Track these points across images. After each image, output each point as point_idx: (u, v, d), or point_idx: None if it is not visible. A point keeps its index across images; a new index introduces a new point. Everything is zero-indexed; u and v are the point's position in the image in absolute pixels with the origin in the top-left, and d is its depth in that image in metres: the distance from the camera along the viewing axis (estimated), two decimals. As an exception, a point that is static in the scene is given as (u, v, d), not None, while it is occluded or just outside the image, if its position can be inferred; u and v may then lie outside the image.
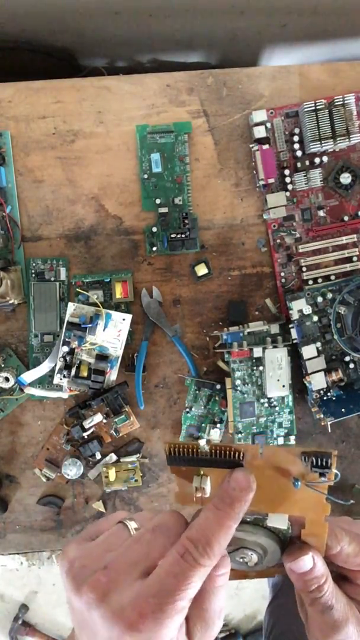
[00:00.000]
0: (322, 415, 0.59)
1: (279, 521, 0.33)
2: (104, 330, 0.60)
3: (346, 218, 0.62)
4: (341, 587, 0.35)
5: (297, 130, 0.60)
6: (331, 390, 0.60)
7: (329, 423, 0.58)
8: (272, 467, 0.31)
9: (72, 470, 0.63)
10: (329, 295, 0.59)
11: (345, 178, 0.61)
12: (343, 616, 0.33)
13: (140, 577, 0.28)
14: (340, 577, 0.36)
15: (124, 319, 0.60)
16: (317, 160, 0.60)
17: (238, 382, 0.60)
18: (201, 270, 0.62)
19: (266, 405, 0.61)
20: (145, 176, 0.61)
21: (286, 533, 0.35)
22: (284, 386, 0.59)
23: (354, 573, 0.35)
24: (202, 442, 0.32)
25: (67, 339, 0.60)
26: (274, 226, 0.62)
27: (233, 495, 0.30)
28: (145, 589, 0.27)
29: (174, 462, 0.32)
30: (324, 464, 0.30)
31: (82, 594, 0.28)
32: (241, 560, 0.36)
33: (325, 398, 0.60)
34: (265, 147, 0.60)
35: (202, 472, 0.32)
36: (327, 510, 0.32)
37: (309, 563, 0.33)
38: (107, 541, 0.31)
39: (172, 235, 0.61)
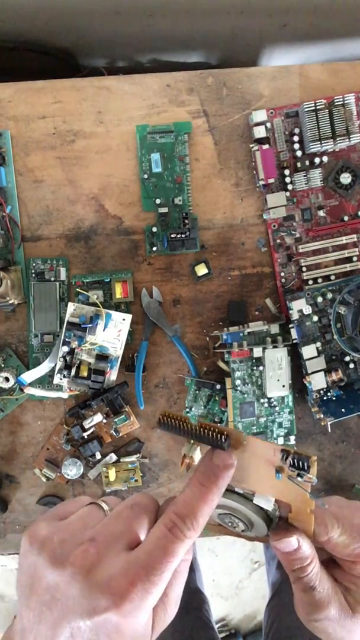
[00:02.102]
0: (322, 415, 0.59)
1: (265, 502, 0.34)
2: (104, 330, 0.60)
3: (346, 218, 0.62)
4: (331, 570, 0.36)
5: (297, 130, 0.60)
6: (331, 390, 0.60)
7: (329, 423, 0.58)
8: (254, 455, 0.32)
9: (72, 470, 0.63)
10: (329, 295, 0.60)
11: (345, 178, 0.61)
12: (325, 598, 0.34)
13: (125, 550, 0.28)
14: (332, 560, 0.36)
15: (124, 319, 0.60)
16: (317, 160, 0.60)
17: (238, 382, 0.60)
18: (201, 270, 0.62)
19: (266, 405, 0.61)
20: (145, 176, 0.61)
21: (273, 513, 0.35)
22: (284, 386, 0.59)
23: (343, 561, 0.36)
24: (192, 418, 0.32)
25: (67, 339, 0.60)
26: (274, 226, 0.62)
27: (217, 472, 0.30)
28: (135, 559, 0.27)
29: (164, 428, 0.33)
30: (302, 466, 0.30)
31: (65, 567, 0.27)
32: (229, 524, 0.37)
33: (325, 398, 0.60)
34: (265, 147, 0.60)
35: (192, 442, 0.33)
36: (312, 504, 0.32)
37: (294, 544, 0.33)
38: (83, 519, 0.31)
39: (172, 235, 0.61)
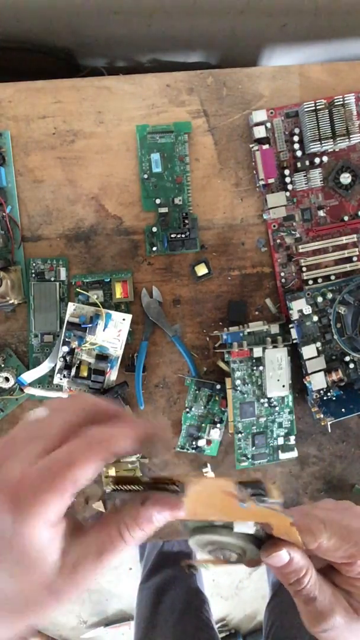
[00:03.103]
0: (322, 415, 0.59)
1: (245, 527, 0.33)
2: (104, 330, 0.60)
3: (346, 218, 0.62)
4: (330, 576, 0.35)
5: (297, 130, 0.60)
6: (331, 390, 0.60)
7: (329, 423, 0.58)
8: (216, 494, 0.31)
9: (72, 470, 0.63)
10: (329, 295, 0.60)
11: (345, 178, 0.61)
12: (328, 607, 0.33)
13: (39, 454, 0.27)
14: (330, 566, 0.36)
15: (124, 319, 0.60)
16: (317, 160, 0.60)
17: (238, 382, 0.60)
18: (201, 270, 0.62)
19: (266, 405, 0.61)
20: (145, 176, 0.61)
21: (259, 532, 0.34)
22: (284, 386, 0.59)
23: (339, 565, 0.35)
24: (141, 474, 0.31)
25: (67, 339, 0.60)
26: (274, 226, 0.62)
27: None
28: (39, 462, 0.26)
29: (117, 494, 0.31)
30: (262, 494, 0.30)
31: None
32: (222, 557, 0.36)
33: (325, 398, 0.60)
34: (265, 147, 0.60)
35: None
36: (288, 518, 0.31)
37: (284, 557, 0.33)
38: (12, 430, 0.30)
39: (172, 235, 0.61)
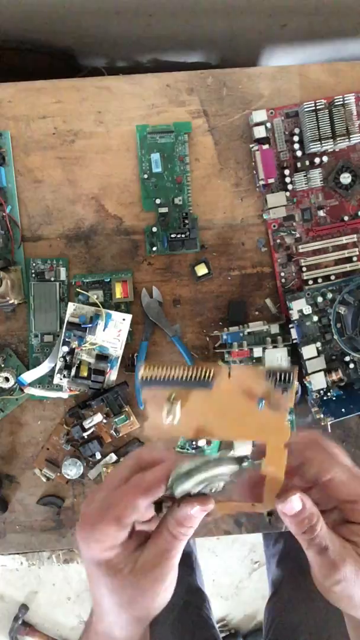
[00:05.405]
0: (322, 415, 0.59)
1: (244, 449, 0.35)
2: (104, 330, 0.60)
3: (346, 218, 0.62)
4: (336, 531, 0.36)
5: (297, 130, 0.60)
6: (331, 390, 0.60)
7: (329, 423, 0.58)
8: (239, 389, 0.33)
9: (72, 470, 0.63)
10: (329, 295, 0.60)
11: (345, 178, 0.61)
12: (339, 556, 0.35)
13: (102, 498, 0.36)
14: (335, 522, 0.37)
15: (124, 319, 0.60)
16: (317, 160, 0.60)
17: (238, 382, 0.60)
18: (201, 270, 0.62)
19: (266, 405, 0.61)
20: (145, 176, 0.61)
21: (250, 459, 0.36)
22: (284, 386, 0.59)
23: (346, 507, 0.36)
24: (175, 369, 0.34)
25: (67, 339, 0.60)
26: (274, 226, 0.62)
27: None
28: (99, 504, 0.35)
29: (147, 384, 0.34)
30: (287, 379, 0.32)
31: None
32: (210, 491, 0.37)
33: (325, 398, 0.60)
34: (265, 147, 0.60)
35: (172, 397, 0.34)
36: (287, 434, 0.34)
37: (298, 504, 0.34)
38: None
39: (172, 235, 0.61)
